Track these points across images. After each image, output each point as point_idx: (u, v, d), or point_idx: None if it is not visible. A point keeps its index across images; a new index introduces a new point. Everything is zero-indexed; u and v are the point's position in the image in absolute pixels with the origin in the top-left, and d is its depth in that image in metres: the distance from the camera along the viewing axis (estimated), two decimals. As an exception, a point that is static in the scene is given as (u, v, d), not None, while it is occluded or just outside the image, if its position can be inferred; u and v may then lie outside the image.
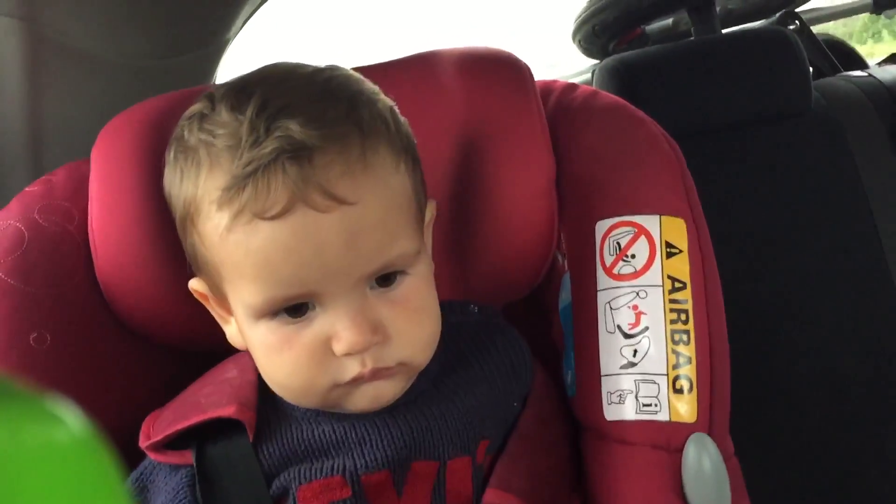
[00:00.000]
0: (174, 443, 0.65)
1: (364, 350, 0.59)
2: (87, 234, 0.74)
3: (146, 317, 0.74)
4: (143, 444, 0.66)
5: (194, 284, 0.67)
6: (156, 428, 0.66)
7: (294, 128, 0.56)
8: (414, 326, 0.61)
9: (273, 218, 0.56)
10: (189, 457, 0.65)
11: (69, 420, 0.21)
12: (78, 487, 0.21)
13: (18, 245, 0.72)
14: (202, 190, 0.59)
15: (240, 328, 0.64)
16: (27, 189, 0.78)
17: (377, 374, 0.60)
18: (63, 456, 0.21)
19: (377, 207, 0.58)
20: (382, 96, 0.64)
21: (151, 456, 0.66)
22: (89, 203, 0.74)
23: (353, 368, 0.59)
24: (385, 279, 0.60)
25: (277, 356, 0.61)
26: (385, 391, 0.62)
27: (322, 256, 0.57)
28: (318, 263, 0.57)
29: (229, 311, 0.66)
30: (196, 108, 0.63)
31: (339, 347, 0.59)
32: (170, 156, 0.64)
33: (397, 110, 0.65)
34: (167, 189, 0.65)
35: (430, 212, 0.68)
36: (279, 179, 0.55)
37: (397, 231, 0.60)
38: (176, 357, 0.78)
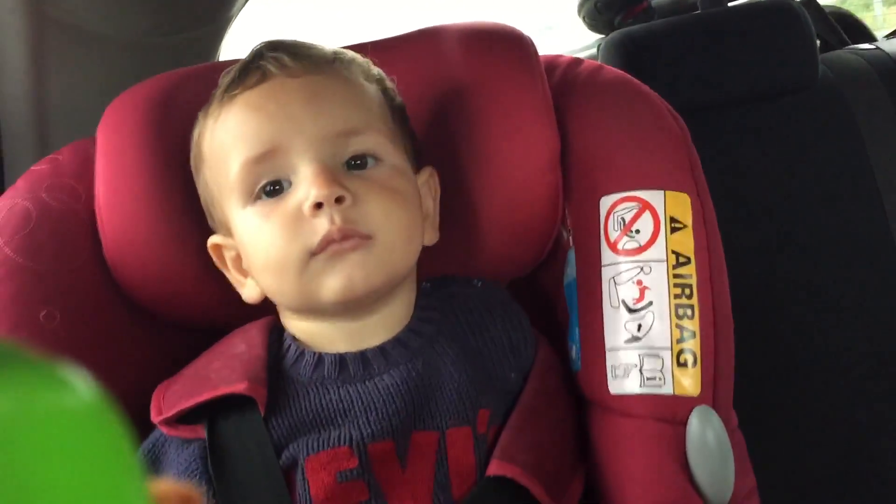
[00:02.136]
0: (185, 417, 0.66)
1: (331, 200, 0.61)
2: (93, 211, 0.74)
3: (153, 294, 0.75)
4: (155, 418, 0.66)
5: (213, 239, 0.71)
6: (166, 402, 0.67)
7: (276, 41, 0.68)
8: (386, 201, 0.64)
9: (249, 88, 0.66)
10: (200, 431, 0.65)
11: (79, 386, 0.22)
12: (88, 452, 0.21)
13: (26, 223, 0.73)
14: (205, 114, 0.69)
15: (234, 232, 0.68)
16: (34, 168, 0.78)
17: (347, 238, 0.62)
18: (73, 421, 0.21)
19: (342, 83, 0.67)
20: (372, 65, 0.72)
21: (164, 430, 0.67)
22: (95, 181, 0.74)
23: (322, 227, 0.61)
24: (358, 165, 0.65)
25: (259, 234, 0.65)
26: (357, 272, 0.62)
27: (286, 109, 0.64)
28: (281, 115, 0.64)
29: (244, 272, 0.70)
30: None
31: (307, 203, 0.62)
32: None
33: (389, 80, 0.73)
34: (192, 148, 0.72)
35: (425, 174, 0.72)
36: (255, 66, 0.66)
37: (364, 109, 0.67)
38: (184, 334, 0.79)
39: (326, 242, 0.62)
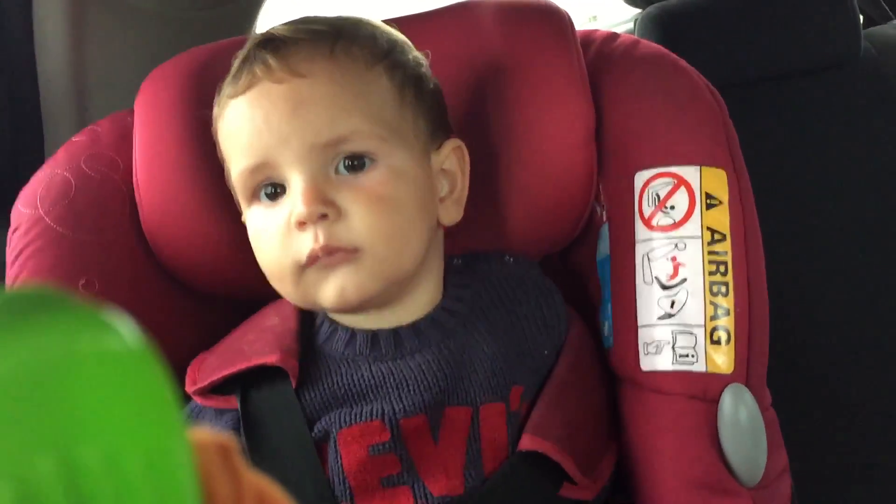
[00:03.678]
0: (219, 388, 0.67)
1: (312, 219, 0.61)
2: (131, 182, 0.75)
3: (190, 264, 0.76)
4: (189, 389, 0.68)
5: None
6: (201, 373, 0.68)
7: (277, 28, 0.67)
8: (373, 211, 0.62)
9: (238, 93, 0.65)
10: (234, 402, 0.67)
11: (123, 331, 0.22)
12: (129, 392, 0.22)
13: (66, 193, 0.74)
14: (217, 97, 0.68)
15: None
16: (73, 139, 0.79)
17: (332, 254, 0.61)
18: (117, 363, 0.22)
19: (328, 82, 0.63)
20: (394, 34, 0.69)
21: (198, 401, 0.68)
22: (133, 152, 0.75)
23: (306, 243, 0.62)
24: (354, 166, 0.63)
25: (260, 241, 0.66)
26: (349, 282, 0.62)
27: (270, 122, 0.63)
28: (267, 129, 0.63)
29: None
30: None
31: (292, 219, 0.62)
32: None
33: (413, 53, 0.69)
34: None
35: (448, 147, 0.69)
36: (248, 66, 0.65)
37: (352, 110, 0.63)
38: (219, 304, 0.80)
39: (313, 259, 0.62)
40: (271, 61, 0.63)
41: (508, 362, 0.67)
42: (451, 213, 0.70)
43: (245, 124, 0.64)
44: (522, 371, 0.68)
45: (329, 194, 0.62)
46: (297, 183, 0.62)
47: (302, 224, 0.61)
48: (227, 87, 0.66)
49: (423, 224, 0.66)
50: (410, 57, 0.69)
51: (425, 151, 0.67)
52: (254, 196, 0.65)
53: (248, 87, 0.64)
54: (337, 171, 0.63)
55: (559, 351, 0.71)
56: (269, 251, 0.65)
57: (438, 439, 0.63)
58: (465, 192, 0.71)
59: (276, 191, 0.64)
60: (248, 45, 0.67)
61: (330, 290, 0.63)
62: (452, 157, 0.70)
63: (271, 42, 0.65)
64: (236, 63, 0.67)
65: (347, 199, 0.62)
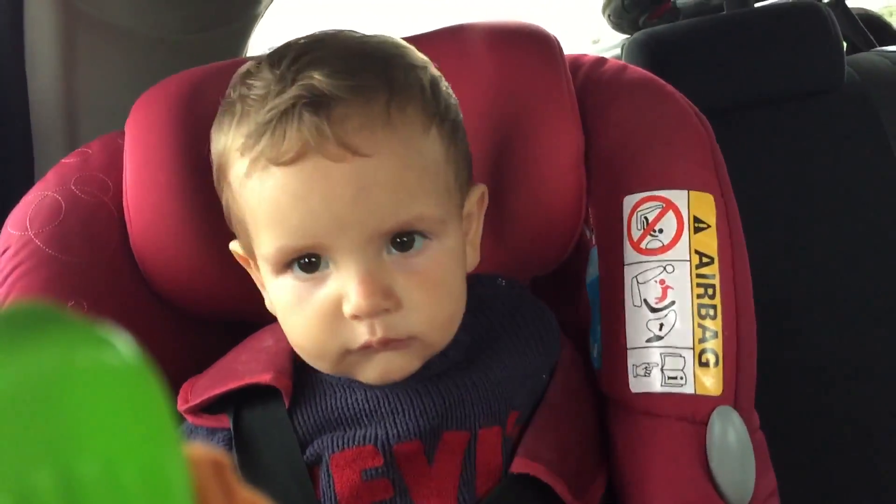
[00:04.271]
0: (211, 407, 0.67)
1: (372, 314, 0.58)
2: (122, 204, 0.75)
3: (179, 287, 0.76)
4: (181, 407, 0.67)
5: (234, 247, 0.68)
6: (193, 393, 0.68)
7: (318, 77, 0.57)
8: (431, 300, 0.60)
9: (285, 164, 0.56)
10: (226, 421, 0.66)
11: (120, 345, 0.23)
12: (126, 407, 0.22)
13: (56, 215, 0.74)
14: (231, 139, 0.60)
15: (266, 287, 0.64)
16: (63, 161, 0.79)
17: (387, 345, 0.59)
18: (113, 378, 0.22)
19: (394, 164, 0.57)
20: (429, 67, 0.65)
21: (189, 419, 0.68)
22: (124, 174, 0.75)
23: (361, 334, 0.58)
24: (403, 244, 0.59)
25: (292, 315, 0.61)
26: (394, 365, 0.61)
27: (331, 207, 0.56)
28: (326, 214, 0.56)
29: None
30: (244, 67, 0.64)
31: (347, 308, 0.58)
32: (217, 116, 0.65)
33: (444, 82, 0.65)
34: (212, 147, 0.65)
35: (476, 194, 0.67)
36: (294, 127, 0.56)
37: (417, 193, 0.58)
38: (210, 328, 0.80)
39: (366, 348, 0.59)
40: (326, 130, 0.55)
41: (510, 387, 0.66)
42: (470, 258, 0.67)
43: (295, 202, 0.57)
44: (522, 395, 0.67)
45: (385, 282, 0.58)
46: (350, 269, 0.58)
47: (358, 317, 0.58)
48: (264, 146, 0.57)
49: (464, 294, 0.64)
50: (452, 99, 0.65)
51: (461, 206, 0.65)
52: (286, 267, 0.60)
53: (299, 158, 0.56)
54: (388, 250, 0.59)
55: (552, 373, 0.71)
56: (310, 332, 0.60)
57: (433, 461, 0.63)
58: (480, 234, 0.69)
59: (310, 261, 0.59)
60: (286, 95, 0.57)
61: (372, 371, 0.61)
62: (476, 203, 0.68)
63: (319, 101, 0.56)
64: (270, 112, 0.57)
65: (403, 287, 0.58)
